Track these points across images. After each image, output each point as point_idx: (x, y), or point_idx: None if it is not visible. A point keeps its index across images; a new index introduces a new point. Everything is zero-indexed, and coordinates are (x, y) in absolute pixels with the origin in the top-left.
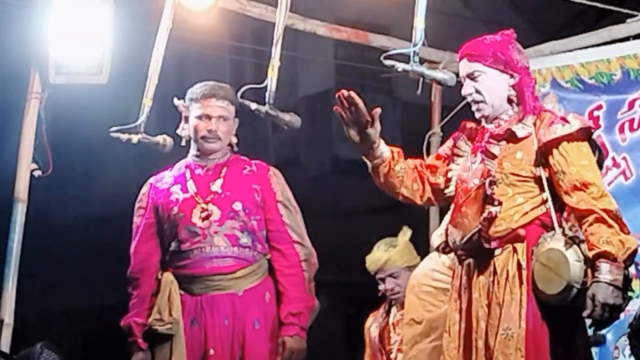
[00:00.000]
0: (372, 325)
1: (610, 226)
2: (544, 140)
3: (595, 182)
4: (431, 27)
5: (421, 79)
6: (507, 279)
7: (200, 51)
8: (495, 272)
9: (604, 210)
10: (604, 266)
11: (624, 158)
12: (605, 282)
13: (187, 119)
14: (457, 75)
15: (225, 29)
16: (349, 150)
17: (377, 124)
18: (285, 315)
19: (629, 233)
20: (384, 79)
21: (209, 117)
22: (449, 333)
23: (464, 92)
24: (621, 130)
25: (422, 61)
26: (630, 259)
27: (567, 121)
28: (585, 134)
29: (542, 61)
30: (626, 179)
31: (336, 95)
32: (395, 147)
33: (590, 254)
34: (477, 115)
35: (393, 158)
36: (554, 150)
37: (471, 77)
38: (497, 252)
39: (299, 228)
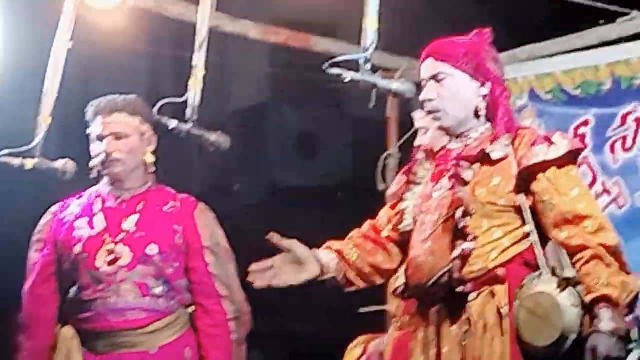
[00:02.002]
0: None
1: (608, 265)
2: (526, 163)
3: (590, 213)
4: (385, 28)
5: (374, 90)
6: (484, 328)
7: (110, 58)
8: (469, 321)
9: (602, 245)
10: (605, 313)
11: (616, 183)
12: (607, 332)
13: None
14: (417, 85)
15: (139, 31)
16: (288, 175)
17: (292, 254)
18: None
19: (629, 273)
20: (330, 90)
21: (103, 137)
22: None
23: (422, 96)
24: (612, 149)
25: (374, 69)
26: (631, 304)
27: (551, 141)
28: (574, 157)
29: (517, 68)
30: (619, 207)
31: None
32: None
33: (587, 298)
34: (434, 125)
35: (341, 257)
36: (539, 176)
37: (435, 78)
38: (471, 296)
39: (227, 279)
